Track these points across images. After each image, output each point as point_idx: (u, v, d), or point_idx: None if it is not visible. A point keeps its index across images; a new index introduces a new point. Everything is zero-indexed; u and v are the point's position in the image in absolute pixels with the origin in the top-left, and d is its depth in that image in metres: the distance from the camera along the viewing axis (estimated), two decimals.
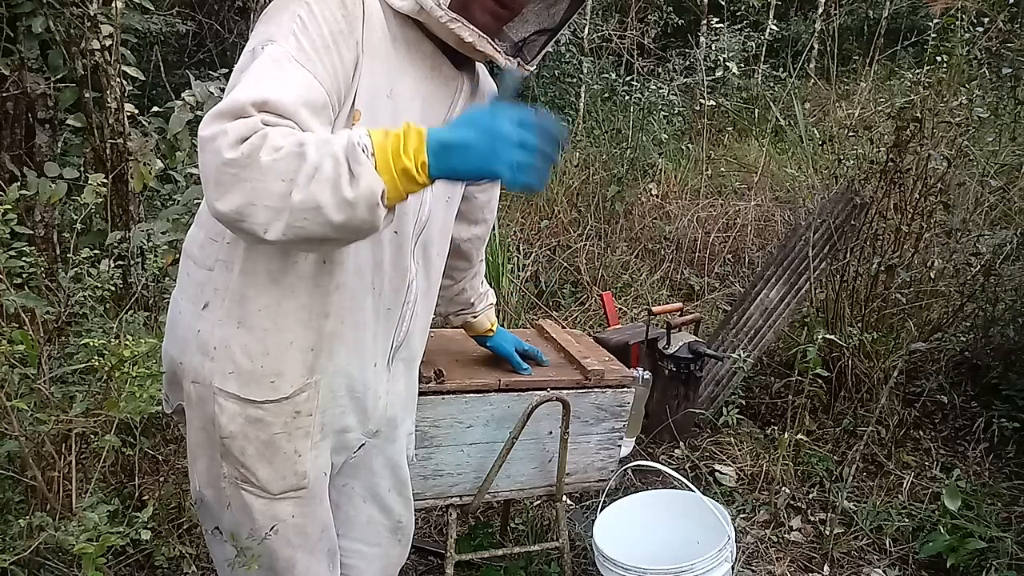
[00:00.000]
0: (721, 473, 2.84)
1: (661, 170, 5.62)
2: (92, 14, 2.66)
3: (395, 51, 1.20)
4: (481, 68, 1.40)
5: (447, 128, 1.05)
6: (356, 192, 0.98)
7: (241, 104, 0.99)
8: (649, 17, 8.57)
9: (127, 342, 1.38)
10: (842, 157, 3.51)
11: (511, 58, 1.27)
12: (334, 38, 1.11)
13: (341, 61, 1.12)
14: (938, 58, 4.48)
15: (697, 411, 3.10)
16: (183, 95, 2.90)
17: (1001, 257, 3.24)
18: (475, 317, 1.80)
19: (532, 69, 1.32)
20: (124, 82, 2.82)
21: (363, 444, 1.41)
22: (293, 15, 1.10)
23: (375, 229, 1.03)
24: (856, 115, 5.43)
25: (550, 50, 6.92)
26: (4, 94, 2.68)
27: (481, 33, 1.20)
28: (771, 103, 6.34)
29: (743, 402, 3.12)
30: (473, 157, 1.01)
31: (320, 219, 0.98)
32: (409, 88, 1.23)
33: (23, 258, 1.72)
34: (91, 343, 1.37)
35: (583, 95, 7.08)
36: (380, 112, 1.19)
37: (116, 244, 2.69)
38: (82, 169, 2.80)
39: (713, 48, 7.60)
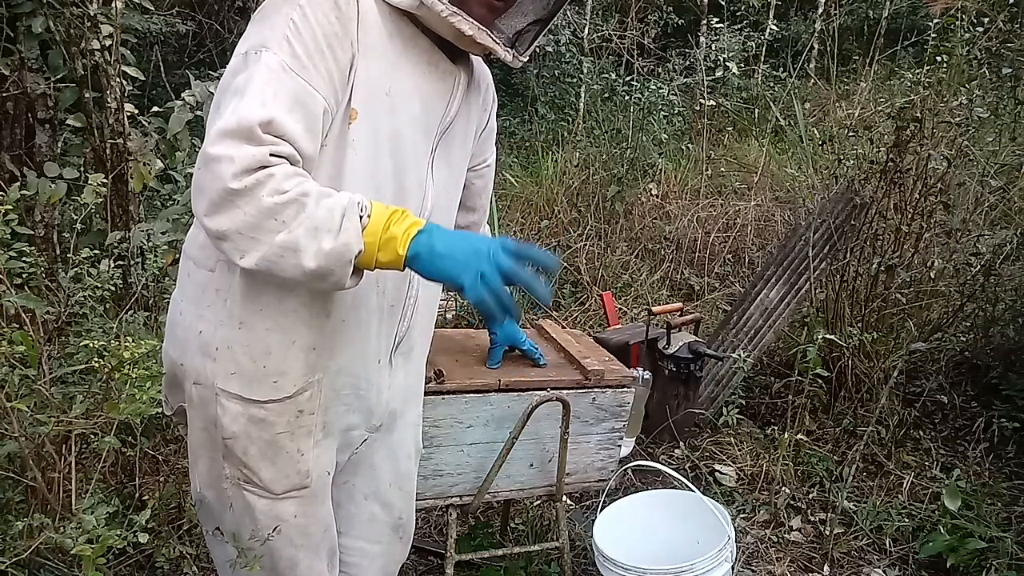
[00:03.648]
0: (721, 473, 2.84)
1: (661, 170, 5.62)
2: (92, 14, 2.66)
3: (392, 48, 1.20)
4: (476, 58, 1.40)
5: (445, 231, 1.12)
6: (333, 245, 1.04)
7: (249, 125, 1.03)
8: (649, 17, 8.57)
9: (127, 343, 1.38)
10: (842, 157, 3.51)
11: (508, 49, 1.28)
12: (328, 41, 1.12)
13: (336, 64, 1.13)
14: (938, 58, 4.47)
15: (697, 411, 3.10)
16: (183, 95, 2.89)
17: (1001, 257, 3.24)
18: None
19: (525, 59, 1.33)
20: (124, 82, 2.81)
21: (365, 439, 1.41)
22: (286, 18, 1.11)
23: (340, 286, 1.09)
24: (856, 115, 5.42)
25: (550, 49, 6.86)
26: (4, 94, 2.68)
27: (480, 26, 1.21)
28: (771, 103, 6.34)
29: (743, 402, 3.12)
30: (447, 263, 1.08)
31: (294, 261, 1.04)
32: (407, 85, 1.23)
33: (23, 258, 1.71)
34: (91, 344, 1.37)
35: (583, 95, 7.08)
36: (378, 110, 1.19)
37: (116, 244, 2.69)
38: (82, 169, 2.80)
39: (713, 48, 7.59)
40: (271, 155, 1.04)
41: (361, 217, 1.07)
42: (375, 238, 1.07)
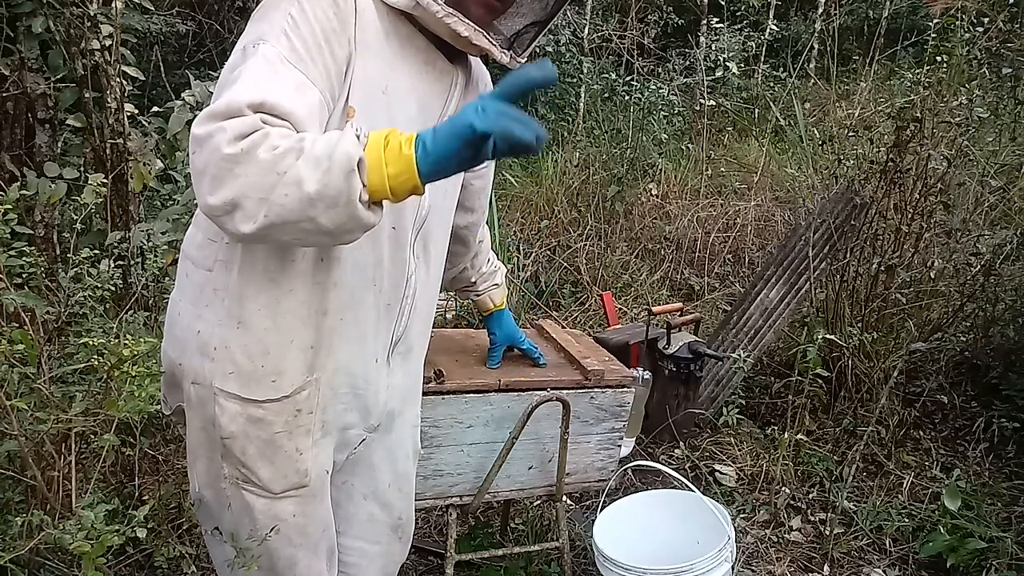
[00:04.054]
0: (721, 473, 2.84)
1: (661, 170, 5.62)
2: (92, 14, 2.66)
3: (389, 47, 1.20)
4: (475, 58, 1.40)
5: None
6: (332, 161, 0.98)
7: (238, 105, 1.01)
8: (649, 17, 8.57)
9: (127, 342, 1.38)
10: (842, 157, 3.51)
11: (505, 51, 1.28)
12: (326, 36, 1.12)
13: (333, 60, 1.13)
14: (938, 58, 4.47)
15: (697, 411, 3.10)
16: (183, 95, 2.90)
17: (1001, 257, 3.24)
18: (478, 296, 1.82)
19: (523, 62, 1.32)
20: (124, 82, 2.82)
21: (363, 439, 1.41)
22: (285, 13, 1.11)
23: (351, 206, 1.00)
24: (856, 115, 5.42)
25: (550, 49, 6.83)
26: (4, 94, 2.68)
27: (477, 27, 1.20)
28: (771, 103, 6.34)
29: (743, 402, 3.12)
30: (449, 128, 1.01)
31: (298, 194, 0.98)
32: (404, 84, 1.23)
33: (23, 258, 1.72)
34: (91, 343, 1.37)
35: (583, 95, 7.08)
36: (375, 108, 1.19)
37: (116, 244, 2.69)
38: (82, 169, 2.81)
39: (713, 48, 7.60)
40: (262, 121, 1.01)
41: (359, 137, 1.02)
42: (377, 152, 1.01)
